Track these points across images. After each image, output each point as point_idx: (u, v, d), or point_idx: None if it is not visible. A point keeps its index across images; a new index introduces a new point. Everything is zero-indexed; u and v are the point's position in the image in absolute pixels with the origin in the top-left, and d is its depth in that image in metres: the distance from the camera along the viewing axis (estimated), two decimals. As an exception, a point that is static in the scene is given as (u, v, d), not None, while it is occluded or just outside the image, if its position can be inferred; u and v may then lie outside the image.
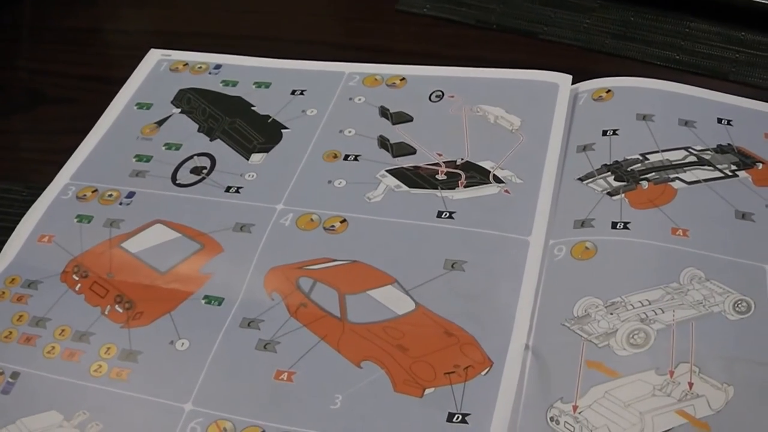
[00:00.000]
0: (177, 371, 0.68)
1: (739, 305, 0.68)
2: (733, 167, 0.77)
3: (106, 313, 0.72)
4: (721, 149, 0.78)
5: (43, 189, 0.84)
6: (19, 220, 0.81)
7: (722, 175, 0.76)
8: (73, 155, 0.86)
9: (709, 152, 0.78)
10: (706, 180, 0.76)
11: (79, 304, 0.73)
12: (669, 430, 0.62)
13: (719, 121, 0.81)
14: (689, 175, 0.76)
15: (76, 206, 0.81)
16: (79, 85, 0.96)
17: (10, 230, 0.80)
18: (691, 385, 0.63)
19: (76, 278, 0.75)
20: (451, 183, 0.78)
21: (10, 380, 0.69)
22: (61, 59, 1.00)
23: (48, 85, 0.97)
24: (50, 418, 0.67)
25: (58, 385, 0.69)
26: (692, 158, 0.77)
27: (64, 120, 0.93)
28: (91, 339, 0.71)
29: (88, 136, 0.88)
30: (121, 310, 0.72)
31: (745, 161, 0.77)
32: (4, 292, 0.75)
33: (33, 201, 0.83)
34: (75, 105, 0.94)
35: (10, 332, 0.72)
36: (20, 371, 0.70)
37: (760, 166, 0.77)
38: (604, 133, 0.80)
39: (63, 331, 0.72)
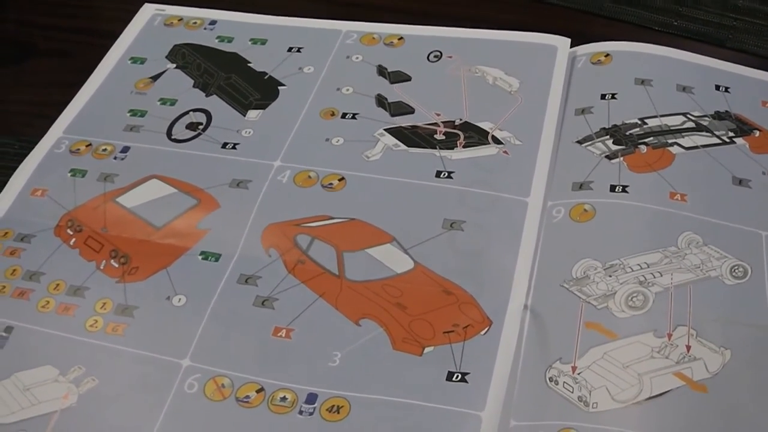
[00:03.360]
0: (174, 327, 0.68)
1: (736, 270, 0.68)
2: (731, 134, 0.77)
3: (101, 267, 0.72)
4: (718, 116, 0.78)
5: (36, 142, 0.83)
6: (12, 174, 0.80)
7: (720, 141, 0.76)
8: (66, 109, 0.85)
9: (707, 118, 0.78)
10: (704, 146, 0.76)
11: (74, 258, 0.73)
12: (666, 391, 0.62)
13: (717, 87, 0.81)
14: (687, 141, 0.76)
15: (69, 160, 0.80)
16: (70, 38, 0.95)
17: (2, 184, 0.79)
18: (688, 348, 0.63)
19: (70, 232, 0.74)
20: (449, 143, 0.77)
21: (3, 334, 0.69)
22: (52, 11, 0.98)
23: (39, 37, 0.96)
24: (45, 372, 0.66)
25: (53, 340, 0.68)
26: (690, 124, 0.77)
27: (55, 73, 0.92)
28: (86, 294, 0.70)
29: (81, 89, 0.87)
30: (116, 265, 0.72)
31: (743, 128, 0.78)
32: (-3, 245, 0.74)
33: (25, 154, 0.82)
34: (67, 58, 0.93)
35: (4, 286, 0.72)
36: (14, 325, 0.69)
37: (757, 133, 0.77)
38: (603, 96, 0.80)
39: (57, 285, 0.71)
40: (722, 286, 0.67)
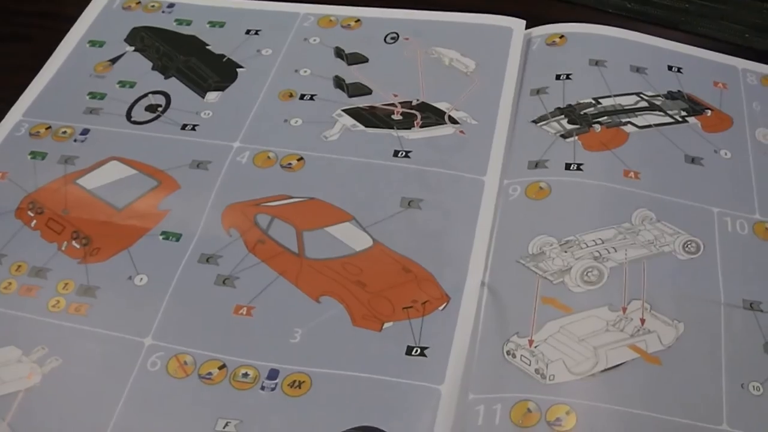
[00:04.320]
0: (136, 306, 0.68)
1: (689, 246, 0.69)
2: (683, 113, 0.79)
3: (63, 249, 0.72)
4: (671, 95, 0.80)
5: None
6: (-29, 156, 0.80)
7: (673, 120, 0.78)
8: (24, 92, 0.85)
9: (659, 98, 0.79)
10: (657, 125, 0.77)
11: (35, 240, 0.73)
12: (621, 363, 0.63)
13: (669, 68, 0.82)
14: (641, 120, 0.77)
15: (29, 143, 0.81)
16: (29, 22, 0.95)
17: (-38, 166, 0.79)
18: (643, 321, 0.65)
19: (31, 214, 0.75)
20: (406, 123, 0.78)
21: (-34, 316, 0.69)
22: (11, -4, 0.98)
23: (-2, 22, 0.96)
24: (9, 353, 0.67)
25: (16, 321, 0.68)
26: (643, 103, 0.79)
27: (14, 57, 0.91)
28: (48, 275, 0.71)
29: (40, 73, 0.87)
30: (78, 246, 0.72)
31: (695, 108, 0.79)
32: (-44, 228, 0.74)
33: (-16, 137, 0.81)
34: (25, 42, 0.93)
35: (-35, 268, 0.72)
36: (-24, 307, 0.69)
37: (709, 112, 0.79)
38: (558, 77, 0.81)
39: (19, 267, 0.71)
40: (675, 261, 0.69)
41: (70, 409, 0.64)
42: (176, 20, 0.91)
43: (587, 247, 0.68)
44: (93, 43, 0.89)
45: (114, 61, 0.87)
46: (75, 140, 0.80)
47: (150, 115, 0.81)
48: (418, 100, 0.80)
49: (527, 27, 0.86)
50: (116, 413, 0.63)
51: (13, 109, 0.84)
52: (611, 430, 0.60)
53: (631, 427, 0.60)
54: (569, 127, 0.76)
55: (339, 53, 0.85)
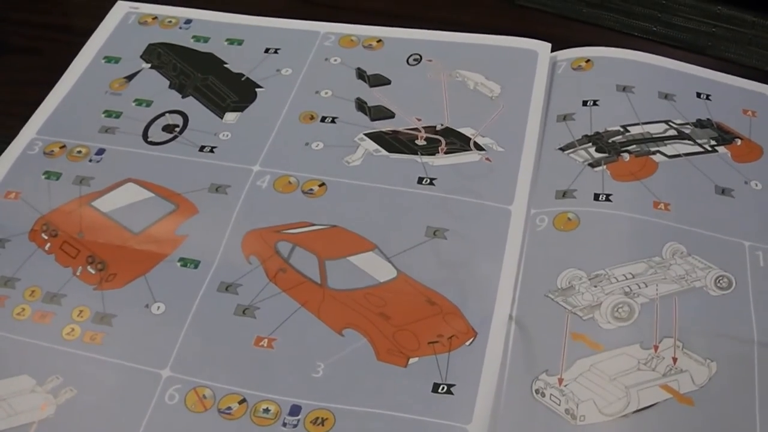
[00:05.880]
0: (153, 336, 0.67)
1: (721, 281, 0.68)
2: (713, 142, 0.77)
3: (78, 274, 0.70)
4: (700, 124, 0.78)
5: (8, 143, 0.80)
6: (-16, 173, 0.78)
7: (702, 150, 0.76)
8: (39, 108, 0.84)
9: (688, 126, 0.78)
10: (686, 154, 0.76)
11: (50, 264, 0.71)
12: (653, 404, 0.61)
13: (698, 95, 0.81)
14: (670, 149, 0.76)
15: (43, 162, 0.79)
16: (43, 35, 0.94)
17: (-26, 184, 0.77)
18: (675, 360, 0.63)
19: (45, 237, 0.73)
20: (431, 149, 0.77)
21: (-22, 342, 0.67)
22: (23, 7, 0.96)
23: (10, 34, 0.94)
24: (22, 382, 0.65)
25: (30, 349, 0.67)
26: (672, 132, 0.77)
27: (27, 71, 0.90)
28: (63, 301, 0.69)
29: (55, 89, 0.85)
30: (93, 272, 0.70)
31: (724, 137, 0.77)
32: (-31, 250, 0.73)
33: (-2, 154, 0.80)
34: (39, 56, 0.92)
35: (-22, 292, 0.70)
36: (-11, 333, 0.68)
37: (739, 141, 0.77)
38: (584, 103, 0.79)
39: (33, 291, 0.70)
40: (707, 297, 0.67)
41: (85, 443, 0.62)
42: (193, 37, 0.89)
43: (617, 281, 0.67)
44: (109, 59, 0.87)
45: (130, 78, 0.85)
46: (90, 160, 0.78)
47: (167, 136, 0.79)
48: (442, 125, 0.78)
49: (552, 50, 0.83)
50: (133, 448, 0.61)
51: (26, 126, 0.82)
52: (643, 474, 0.58)
53: (664, 470, 0.59)
54: (597, 155, 0.75)
55: (361, 75, 0.84)
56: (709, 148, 0.76)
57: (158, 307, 0.68)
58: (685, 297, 0.67)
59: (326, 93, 0.82)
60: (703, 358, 0.63)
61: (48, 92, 0.85)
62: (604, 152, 0.75)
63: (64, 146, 0.80)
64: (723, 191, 0.73)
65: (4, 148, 0.80)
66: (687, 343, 0.64)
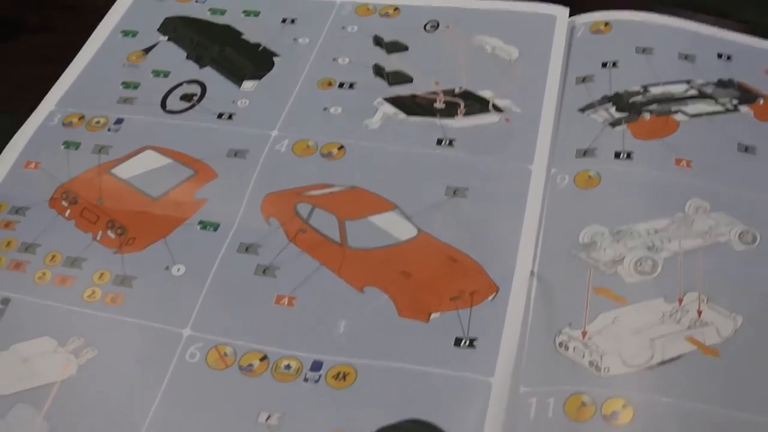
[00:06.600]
0: (174, 296, 0.66)
1: (745, 236, 0.67)
2: (735, 101, 0.76)
3: (98, 239, 0.70)
4: (722, 84, 0.77)
5: (27, 116, 0.81)
6: (4, 147, 0.78)
7: (724, 109, 0.75)
8: (57, 82, 0.84)
9: (710, 86, 0.77)
10: (708, 113, 0.75)
11: (70, 230, 0.71)
12: (678, 356, 0.60)
13: (719, 56, 0.80)
14: (691, 108, 0.75)
15: (62, 133, 0.79)
16: (59, 14, 0.94)
17: (-5, 156, 0.77)
18: (699, 312, 0.62)
19: (65, 204, 0.73)
20: (450, 111, 0.76)
21: (0, 306, 0.67)
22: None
23: (27, 13, 0.94)
24: (44, 343, 0.65)
25: (51, 311, 0.67)
26: (693, 92, 0.76)
27: (45, 48, 0.90)
28: (84, 265, 0.69)
29: (73, 63, 0.86)
30: (113, 236, 0.70)
31: (747, 96, 0.77)
32: (-10, 219, 0.73)
33: (17, 129, 0.80)
34: (56, 33, 0.92)
35: (-1, 258, 0.70)
36: (10, 297, 0.68)
37: (761, 101, 0.76)
38: (604, 65, 0.79)
39: (53, 257, 0.70)
40: (732, 252, 0.66)
41: (107, 400, 0.62)
42: (210, 9, 0.89)
43: (640, 236, 0.66)
44: (126, 33, 0.88)
45: (147, 50, 0.85)
46: (109, 130, 0.78)
47: (185, 104, 0.79)
48: (460, 88, 0.78)
49: (570, 14, 0.83)
50: (154, 405, 0.61)
51: (45, 99, 0.82)
52: (669, 425, 0.57)
53: (689, 421, 0.58)
54: (617, 115, 0.74)
55: (378, 42, 0.83)
56: (731, 107, 0.75)
57: (178, 269, 0.67)
58: (709, 252, 0.66)
59: (344, 60, 0.82)
60: (728, 311, 0.63)
61: (65, 68, 0.85)
62: (625, 112, 0.74)
63: (82, 117, 0.80)
64: (746, 149, 0.72)
65: (24, 122, 0.80)
66: (712, 296, 0.63)
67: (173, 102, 0.80)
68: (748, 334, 0.62)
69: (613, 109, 0.75)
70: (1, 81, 0.88)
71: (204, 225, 0.70)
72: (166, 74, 0.83)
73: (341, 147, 0.74)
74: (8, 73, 0.88)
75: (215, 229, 0.70)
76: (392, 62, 0.81)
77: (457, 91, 0.78)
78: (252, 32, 0.86)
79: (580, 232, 0.67)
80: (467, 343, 0.62)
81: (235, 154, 0.74)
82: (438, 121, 0.75)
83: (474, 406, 0.59)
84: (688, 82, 0.77)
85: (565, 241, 0.67)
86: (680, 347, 0.61)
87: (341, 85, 0.80)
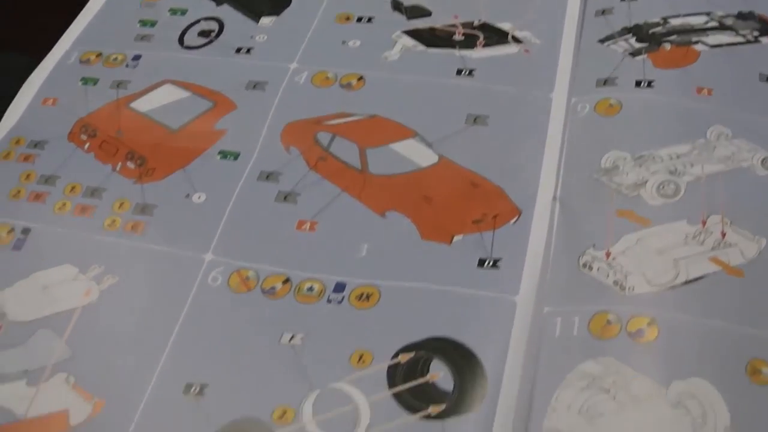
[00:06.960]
0: (195, 223, 0.66)
1: (767, 162, 0.66)
2: (756, 33, 0.75)
3: (118, 170, 0.70)
4: (742, 16, 0.77)
5: (44, 55, 0.80)
6: (21, 85, 0.78)
7: (744, 40, 0.75)
8: (74, 22, 0.84)
9: (730, 18, 0.76)
10: (729, 44, 0.74)
11: (89, 161, 0.71)
12: (703, 276, 0.60)
13: (739, -12, 0.79)
14: (712, 39, 0.75)
15: (80, 69, 0.79)
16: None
17: (11, 96, 0.77)
18: (723, 234, 0.62)
19: (84, 137, 0.73)
20: (469, 43, 0.76)
21: (21, 236, 0.67)
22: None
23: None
24: (64, 271, 0.65)
25: (71, 239, 0.67)
26: (714, 23, 0.76)
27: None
28: (103, 195, 0.69)
29: (89, 4, 0.85)
30: (133, 166, 0.70)
31: (767, 28, 0.76)
32: (9, 153, 0.73)
33: (34, 67, 0.80)
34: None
35: (19, 190, 0.70)
36: (31, 227, 0.68)
37: (783, 32, 0.76)
38: (623, -2, 0.78)
39: (73, 188, 0.69)
40: (754, 177, 0.66)
41: (129, 324, 0.62)
42: (226, -50, 0.88)
43: (662, 161, 0.66)
44: (141, -26, 0.87)
45: (165, -11, 0.85)
46: (127, 66, 0.78)
47: (203, 40, 0.79)
48: (479, 20, 0.77)
49: (588, -51, 0.82)
50: (177, 328, 0.61)
51: (61, 39, 0.82)
52: (693, 343, 0.57)
53: (714, 339, 0.58)
54: (638, 45, 0.73)
55: (395, -23, 0.83)
56: (752, 39, 0.75)
57: (199, 197, 0.67)
58: (732, 176, 0.65)
59: (361, -4, 0.82)
60: (752, 234, 0.62)
61: (80, 10, 0.84)
62: (645, 42, 0.74)
63: (100, 54, 0.79)
64: (767, 79, 0.72)
65: (41, 60, 0.79)
66: (735, 219, 0.63)
67: (191, 38, 0.80)
68: (772, 256, 0.61)
69: (633, 40, 0.74)
70: (19, 21, 0.87)
71: (224, 154, 0.70)
72: (183, 12, 0.82)
73: (360, 78, 0.74)
74: (25, 13, 0.88)
75: (235, 158, 0.69)
76: (410, -2, 0.81)
77: (476, 23, 0.78)
78: (269, -30, 0.86)
79: (601, 158, 0.67)
80: (491, 263, 0.62)
81: (254, 87, 0.74)
82: (457, 52, 0.75)
83: (499, 324, 0.59)
84: (707, 14, 0.76)
85: (587, 166, 0.67)
86: (704, 267, 0.61)
87: (359, 20, 0.79)
